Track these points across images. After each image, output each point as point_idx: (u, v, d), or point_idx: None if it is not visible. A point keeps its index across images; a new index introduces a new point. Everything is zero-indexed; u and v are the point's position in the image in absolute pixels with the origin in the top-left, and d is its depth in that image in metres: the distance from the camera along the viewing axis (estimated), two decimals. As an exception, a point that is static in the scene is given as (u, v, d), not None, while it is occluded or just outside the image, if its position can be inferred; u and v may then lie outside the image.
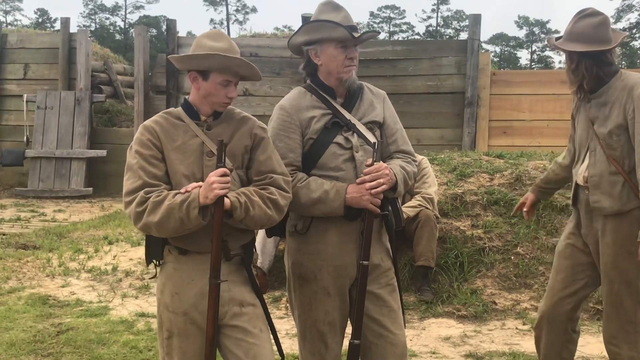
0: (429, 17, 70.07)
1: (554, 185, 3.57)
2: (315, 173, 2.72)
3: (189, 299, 2.49)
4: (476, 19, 11.26)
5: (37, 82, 12.62)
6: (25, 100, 12.05)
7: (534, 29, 65.95)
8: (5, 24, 53.02)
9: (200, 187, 2.35)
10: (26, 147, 11.86)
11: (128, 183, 2.43)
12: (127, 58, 21.44)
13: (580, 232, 3.26)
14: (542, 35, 62.92)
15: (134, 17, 64.77)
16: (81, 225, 8.51)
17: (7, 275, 6.03)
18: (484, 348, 4.35)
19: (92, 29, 60.05)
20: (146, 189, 2.39)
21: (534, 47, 65.51)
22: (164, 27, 28.28)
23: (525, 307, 4.98)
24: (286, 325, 4.74)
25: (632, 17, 55.89)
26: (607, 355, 3.32)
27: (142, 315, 4.99)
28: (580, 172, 3.18)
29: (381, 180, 2.62)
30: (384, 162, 2.71)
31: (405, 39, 60.39)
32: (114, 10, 65.82)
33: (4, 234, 7.94)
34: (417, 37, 65.26)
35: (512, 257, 5.40)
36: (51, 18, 64.97)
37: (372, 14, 70.45)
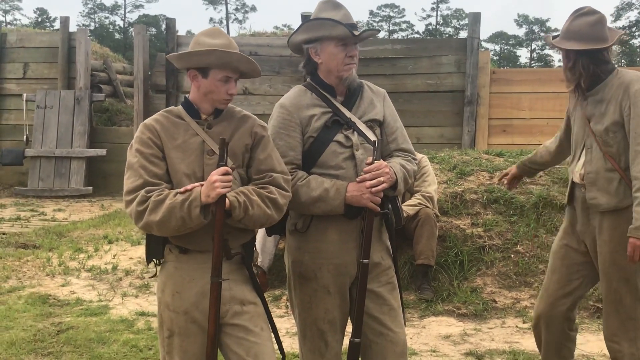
0: (429, 16, 70.19)
1: (538, 167, 3.71)
2: (316, 171, 2.72)
3: (190, 298, 2.49)
4: (476, 18, 11.25)
5: (37, 82, 12.61)
6: (24, 99, 12.05)
7: (534, 28, 66.00)
8: (4, 23, 53.05)
9: (202, 186, 2.35)
10: (26, 146, 11.85)
11: (129, 182, 2.42)
12: (126, 57, 21.42)
13: (574, 231, 3.27)
14: (542, 34, 62.82)
15: (133, 16, 64.87)
16: (81, 225, 8.51)
17: (7, 275, 6.03)
18: (484, 346, 4.35)
19: (92, 28, 60.08)
20: (147, 188, 2.38)
21: (533, 46, 65.60)
22: (164, 26, 28.30)
23: (525, 305, 4.98)
24: (286, 324, 4.75)
25: (632, 15, 55.90)
26: (607, 353, 3.33)
27: (142, 314, 4.99)
28: (576, 170, 3.20)
29: (381, 179, 2.62)
30: (384, 160, 2.71)
31: (405, 37, 60.44)
32: (114, 9, 65.89)
33: (3, 234, 7.94)
34: (416, 35, 65.32)
35: (512, 256, 5.40)
36: (50, 17, 65.07)
37: (371, 12, 70.60)
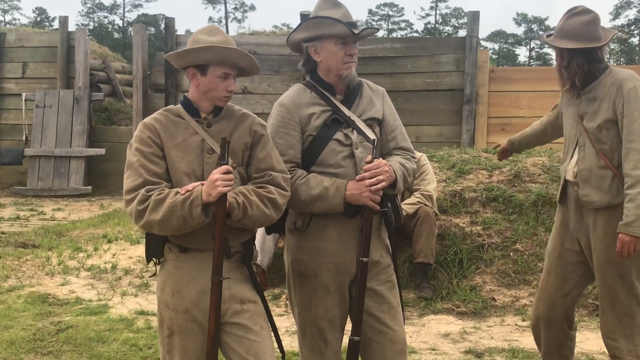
0: (428, 15, 70.22)
1: (527, 140, 3.79)
2: (315, 170, 2.72)
3: (190, 297, 2.49)
4: (475, 16, 11.24)
5: (36, 81, 12.61)
6: (24, 99, 12.05)
7: (533, 26, 66.00)
8: (3, 23, 53.00)
9: (202, 185, 2.35)
10: (25, 145, 11.85)
11: (129, 181, 2.42)
12: (125, 56, 21.43)
13: (568, 231, 3.29)
14: (541, 33, 62.91)
15: (132, 16, 64.85)
16: (80, 224, 8.51)
17: (7, 274, 6.03)
18: (483, 344, 4.35)
19: (91, 27, 60.05)
20: (147, 187, 2.38)
21: (532, 44, 65.57)
22: (163, 25, 28.29)
23: (525, 303, 4.99)
24: (286, 323, 4.75)
25: (631, 13, 55.91)
26: (607, 351, 3.34)
27: (142, 313, 4.99)
28: (569, 168, 3.22)
29: (381, 177, 2.62)
30: (383, 158, 2.72)
31: (404, 36, 60.45)
32: (113, 8, 65.86)
33: (3, 233, 7.94)
34: (415, 34, 65.29)
35: (511, 254, 5.41)
36: (49, 17, 65.03)
37: (370, 11, 70.59)
